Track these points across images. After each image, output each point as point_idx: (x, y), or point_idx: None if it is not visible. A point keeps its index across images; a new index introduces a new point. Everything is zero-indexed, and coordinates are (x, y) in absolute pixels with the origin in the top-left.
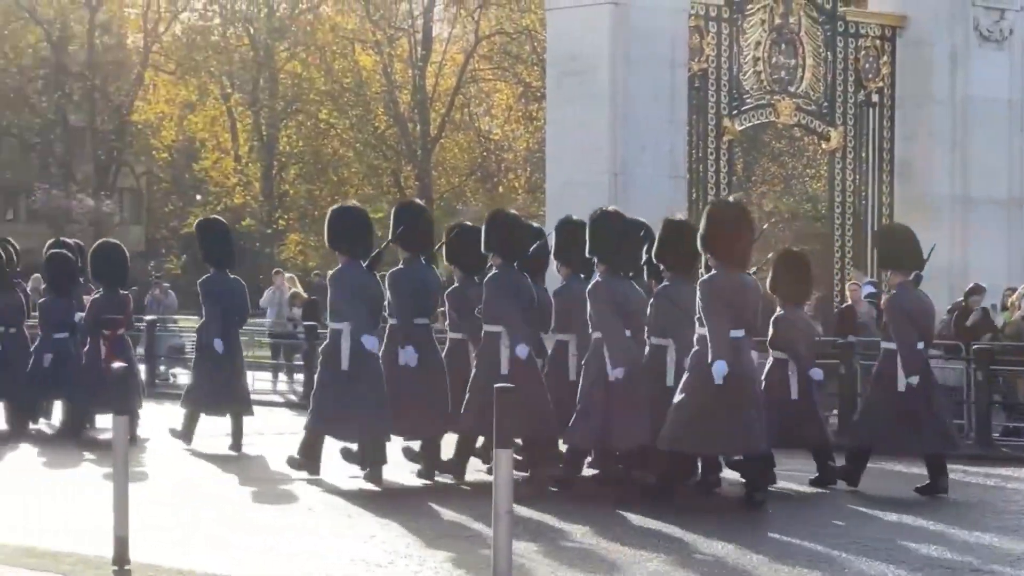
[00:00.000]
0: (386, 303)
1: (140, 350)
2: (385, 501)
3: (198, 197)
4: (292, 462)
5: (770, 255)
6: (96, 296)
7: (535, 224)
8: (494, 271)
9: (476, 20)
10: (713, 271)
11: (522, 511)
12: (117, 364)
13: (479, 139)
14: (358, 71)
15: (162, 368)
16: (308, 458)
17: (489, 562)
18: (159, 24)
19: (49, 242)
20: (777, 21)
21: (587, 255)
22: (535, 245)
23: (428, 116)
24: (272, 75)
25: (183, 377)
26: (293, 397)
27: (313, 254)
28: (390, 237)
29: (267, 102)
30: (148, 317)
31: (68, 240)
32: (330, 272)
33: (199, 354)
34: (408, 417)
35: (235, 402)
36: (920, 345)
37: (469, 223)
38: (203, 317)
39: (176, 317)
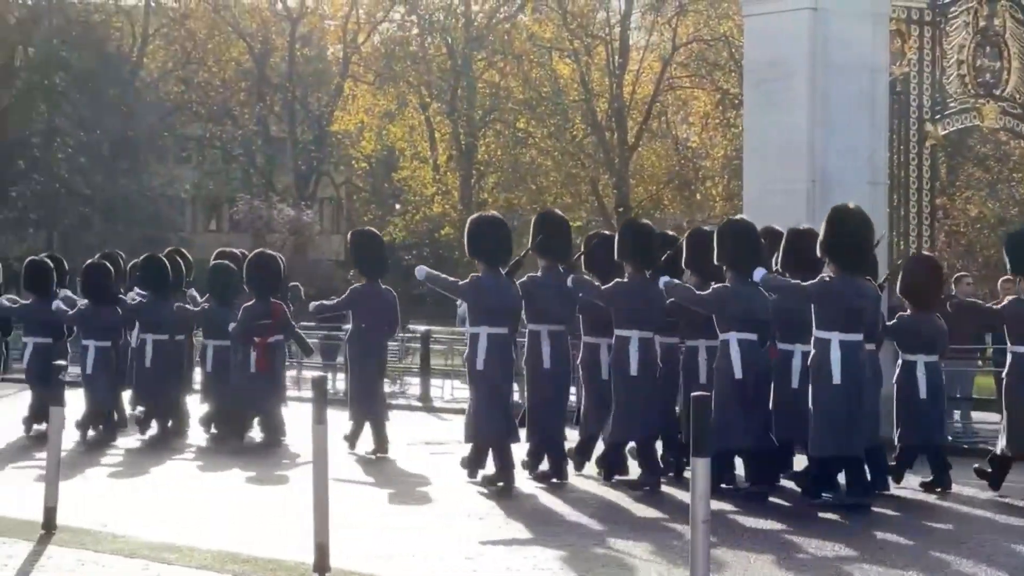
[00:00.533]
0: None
1: (340, 359)
2: (584, 504)
3: (397, 206)
4: (463, 461)
5: (899, 261)
6: (249, 304)
7: (670, 232)
8: (624, 279)
9: (673, 27)
10: (831, 275)
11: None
12: (317, 374)
13: (676, 147)
14: (555, 80)
15: None
16: (496, 469)
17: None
18: (358, 35)
19: (215, 252)
20: (981, 23)
21: (715, 262)
22: (666, 254)
23: (625, 124)
24: (470, 84)
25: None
26: None
27: None
28: (530, 246)
29: (465, 111)
30: (347, 327)
31: (235, 250)
32: (469, 278)
33: (352, 365)
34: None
35: (376, 409)
36: None
37: (607, 232)
38: (350, 327)
39: None
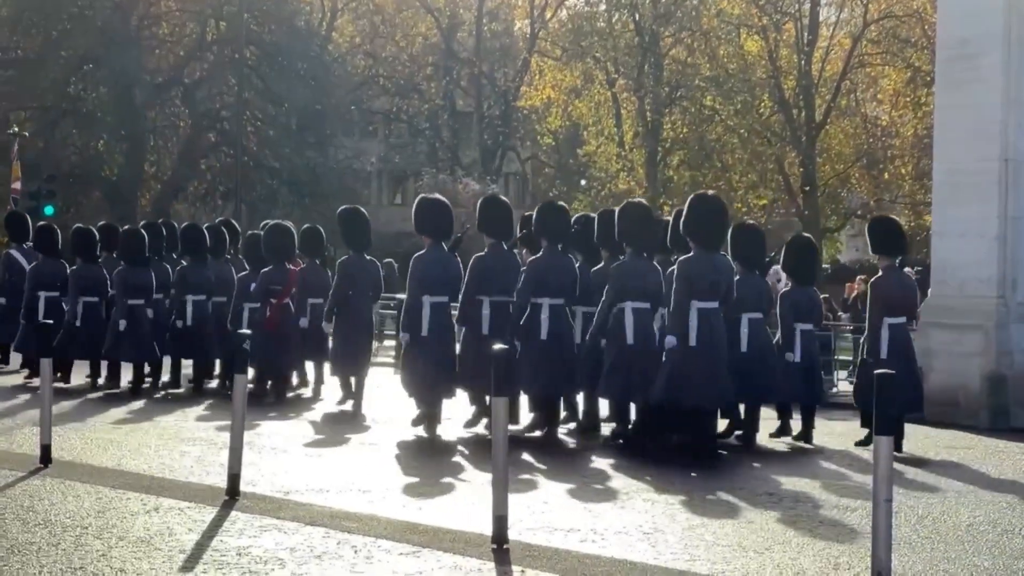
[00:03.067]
0: None
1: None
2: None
3: (582, 182)
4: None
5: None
6: (266, 270)
7: (592, 214)
8: (541, 253)
9: (864, 3)
10: (692, 253)
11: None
12: (499, 347)
13: (865, 125)
14: (743, 56)
15: None
16: (420, 420)
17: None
18: (546, 10)
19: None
20: None
21: (616, 239)
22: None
23: (813, 102)
24: (657, 61)
25: None
26: None
27: None
28: (477, 226)
29: (652, 88)
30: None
31: (288, 223)
32: (416, 254)
33: (339, 327)
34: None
35: (362, 364)
36: (903, 319)
37: (529, 214)
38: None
39: None
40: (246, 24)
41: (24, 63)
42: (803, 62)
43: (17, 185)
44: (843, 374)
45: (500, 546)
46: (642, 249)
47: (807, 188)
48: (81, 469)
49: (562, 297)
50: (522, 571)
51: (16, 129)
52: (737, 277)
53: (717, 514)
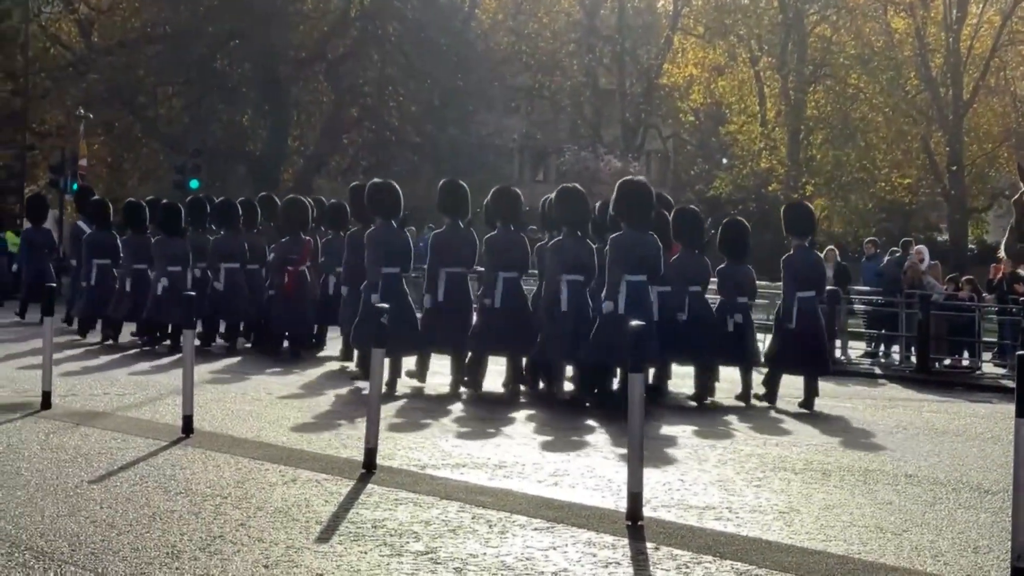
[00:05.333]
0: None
1: None
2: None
3: (724, 161)
4: (353, 375)
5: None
6: (283, 240)
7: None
8: (497, 232)
9: None
10: (621, 231)
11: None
12: (641, 323)
13: (1014, 104)
14: (889, 34)
15: None
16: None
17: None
18: None
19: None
20: None
21: (555, 220)
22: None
23: (961, 80)
24: (801, 39)
25: None
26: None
27: (839, 219)
28: (437, 207)
29: (795, 66)
30: None
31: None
32: (368, 231)
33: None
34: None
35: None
36: (812, 293)
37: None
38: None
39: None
40: (389, 0)
41: (172, 38)
42: (951, 39)
43: (83, 163)
44: (987, 355)
45: (635, 523)
46: (576, 229)
47: (953, 167)
48: (221, 440)
49: (515, 271)
50: (656, 548)
51: (82, 111)
52: (677, 256)
53: (854, 494)
